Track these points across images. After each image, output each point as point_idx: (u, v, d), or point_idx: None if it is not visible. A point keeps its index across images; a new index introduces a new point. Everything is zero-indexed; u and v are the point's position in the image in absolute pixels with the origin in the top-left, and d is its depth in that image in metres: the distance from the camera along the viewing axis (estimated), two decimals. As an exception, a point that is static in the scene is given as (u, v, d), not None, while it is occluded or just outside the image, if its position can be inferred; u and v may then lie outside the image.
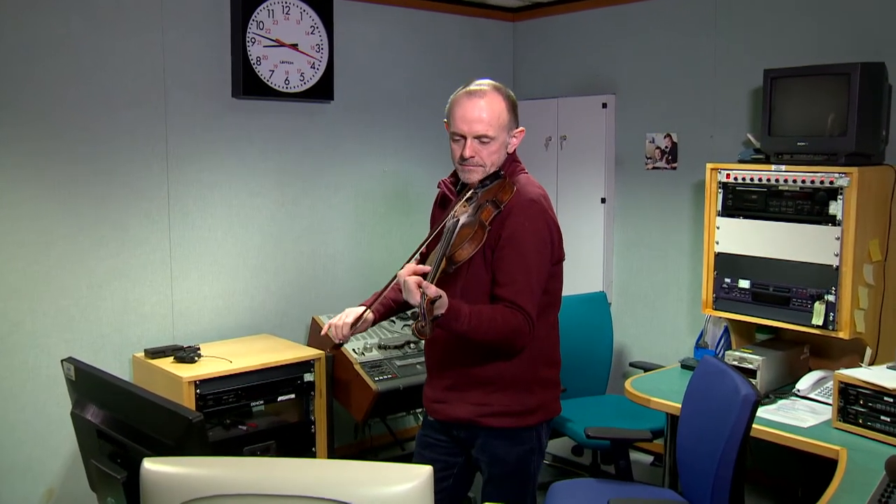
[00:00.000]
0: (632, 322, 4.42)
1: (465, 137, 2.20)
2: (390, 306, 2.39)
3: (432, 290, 1.89)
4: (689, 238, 4.13)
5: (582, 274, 4.47)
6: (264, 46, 3.81)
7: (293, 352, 3.61)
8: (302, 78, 3.95)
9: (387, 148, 4.43)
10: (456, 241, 2.05)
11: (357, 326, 2.21)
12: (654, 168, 4.26)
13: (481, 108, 2.18)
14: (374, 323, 2.34)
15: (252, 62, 3.77)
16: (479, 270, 2.18)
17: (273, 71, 3.84)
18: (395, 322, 4.09)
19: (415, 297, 1.90)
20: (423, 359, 3.70)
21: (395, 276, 2.13)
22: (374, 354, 3.79)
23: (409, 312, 4.16)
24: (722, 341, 3.56)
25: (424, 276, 1.98)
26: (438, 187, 2.36)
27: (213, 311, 3.85)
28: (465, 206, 2.16)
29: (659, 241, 4.27)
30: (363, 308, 2.25)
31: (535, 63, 4.83)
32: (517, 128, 2.27)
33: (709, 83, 4.01)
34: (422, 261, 2.23)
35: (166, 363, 3.40)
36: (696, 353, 3.64)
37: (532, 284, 2.13)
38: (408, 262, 2.10)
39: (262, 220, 3.98)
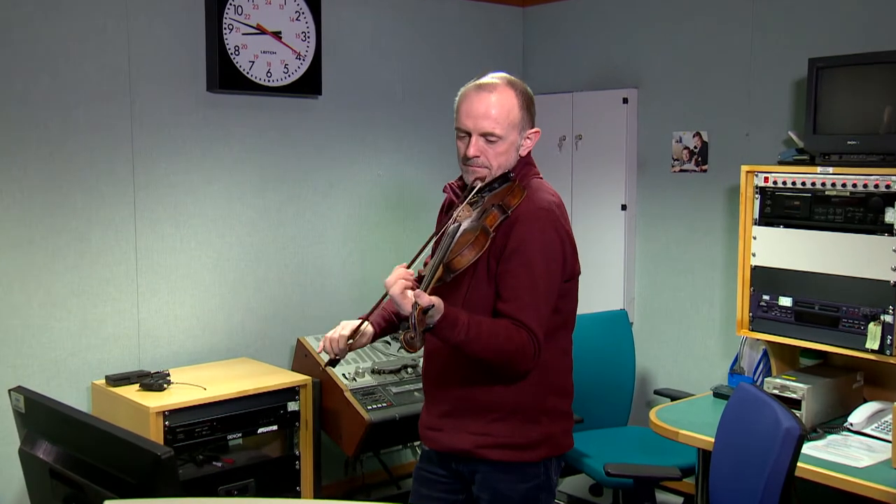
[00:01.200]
0: (656, 344, 4.42)
1: (469, 134, 2.21)
2: (391, 319, 2.40)
3: (425, 298, 1.90)
4: (722, 250, 4.13)
5: (600, 290, 4.48)
6: (243, 34, 3.79)
7: (276, 378, 3.61)
8: (286, 70, 3.94)
9: (382, 149, 4.44)
10: (455, 246, 2.05)
11: (355, 340, 2.22)
12: (681, 171, 4.27)
13: (490, 103, 2.19)
14: (375, 338, 2.35)
15: (230, 52, 3.75)
16: (482, 284, 2.19)
17: (253, 62, 3.83)
18: (389, 344, 4.08)
19: (405, 306, 1.92)
20: (421, 385, 3.77)
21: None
22: (367, 380, 3.77)
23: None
24: (760, 367, 3.55)
25: (419, 281, 2.00)
26: (444, 192, 2.38)
27: (186, 331, 3.84)
28: (468, 210, 2.17)
29: (687, 253, 4.27)
30: (361, 320, 2.26)
31: (548, 53, 4.85)
32: (532, 128, 2.28)
33: (744, 74, 4.00)
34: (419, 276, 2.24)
35: (131, 391, 3.38)
36: (730, 379, 3.64)
37: (539, 302, 2.13)
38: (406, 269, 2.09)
39: (241, 229, 3.97)
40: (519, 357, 2.10)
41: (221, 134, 3.88)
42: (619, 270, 4.46)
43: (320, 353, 2.30)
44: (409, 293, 1.94)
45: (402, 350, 1.93)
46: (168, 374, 3.48)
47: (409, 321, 1.88)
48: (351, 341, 2.21)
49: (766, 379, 3.23)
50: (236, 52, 3.77)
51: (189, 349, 3.84)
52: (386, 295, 2.12)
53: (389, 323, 2.41)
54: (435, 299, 1.94)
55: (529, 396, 2.22)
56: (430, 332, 1.93)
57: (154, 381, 3.38)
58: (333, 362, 2.22)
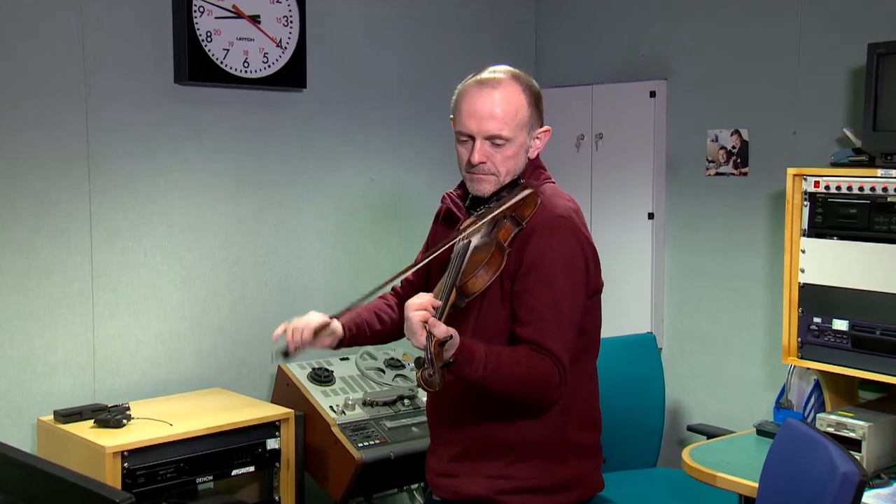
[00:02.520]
0: (689, 373, 4.42)
1: (473, 138, 2.23)
2: (364, 332, 2.45)
3: (441, 329, 1.92)
4: (765, 265, 4.12)
5: (624, 311, 4.47)
6: (217, 18, 3.79)
7: (253, 411, 3.60)
8: (265, 59, 3.95)
9: (375, 150, 4.45)
10: (468, 267, 2.08)
11: (319, 337, 2.28)
12: (717, 174, 4.27)
13: (495, 101, 2.21)
14: (343, 344, 2.40)
15: (201, 38, 3.75)
16: (496, 306, 2.21)
17: (228, 50, 3.84)
18: (384, 372, 4.08)
19: (420, 339, 1.94)
20: (420, 419, 3.78)
21: (374, 292, 2.24)
22: (358, 413, 3.77)
23: (412, 362, 4.19)
24: (812, 400, 3.52)
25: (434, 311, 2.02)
26: (443, 202, 2.42)
27: (149, 359, 3.83)
28: (476, 225, 2.19)
29: (724, 268, 4.27)
30: (331, 318, 2.32)
31: (564, 41, 4.87)
32: (541, 127, 2.32)
33: (792, 62, 4.00)
34: (407, 285, 2.35)
35: (84, 429, 3.35)
36: (776, 415, 3.63)
37: (563, 322, 2.15)
38: (389, 282, 2.18)
39: (214, 241, 3.98)
40: (544, 388, 2.12)
41: (191, 132, 3.89)
42: (646, 288, 4.46)
43: (275, 339, 2.31)
44: (423, 325, 1.97)
45: (419, 386, 1.98)
46: (128, 408, 3.46)
47: (423, 357, 1.89)
48: (316, 336, 2.27)
49: (818, 415, 3.24)
50: (208, 39, 3.77)
51: (152, 379, 3.84)
52: (367, 297, 2.25)
53: (360, 332, 2.43)
54: (452, 330, 1.95)
55: (554, 431, 2.24)
56: (447, 368, 1.95)
57: (111, 417, 3.36)
58: (287, 354, 2.26)
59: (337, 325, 2.34)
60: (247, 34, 3.87)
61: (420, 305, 2.00)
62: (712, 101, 4.26)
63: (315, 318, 2.29)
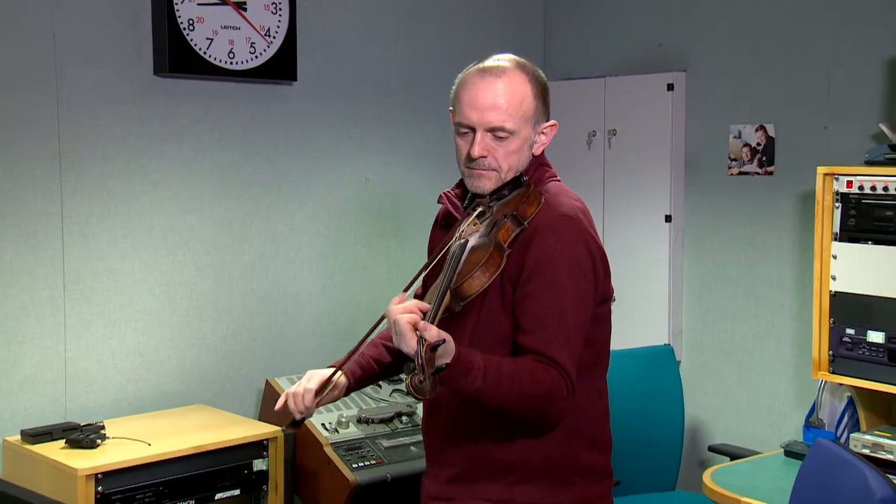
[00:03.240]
0: (711, 388, 4.41)
1: (473, 130, 2.24)
2: (372, 368, 2.44)
3: (433, 332, 1.92)
4: (793, 271, 4.12)
5: (639, 321, 4.48)
6: (199, 5, 3.80)
7: (238, 429, 3.60)
8: (252, 50, 3.96)
9: (371, 147, 4.46)
10: (464, 268, 2.08)
11: (324, 395, 2.28)
12: (740, 173, 4.26)
13: (498, 91, 2.22)
14: (350, 390, 2.40)
15: (182, 27, 3.75)
16: (495, 313, 2.20)
17: (212, 39, 3.84)
18: (380, 387, 4.08)
19: (409, 343, 1.93)
20: (419, 437, 3.78)
21: (379, 322, 2.20)
22: (352, 432, 3.77)
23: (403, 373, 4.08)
24: (845, 419, 3.51)
25: (423, 315, 2.01)
26: (440, 202, 2.41)
27: (126, 373, 3.82)
28: (475, 224, 2.20)
29: (748, 275, 4.27)
30: (332, 370, 2.31)
31: (575, 29, 4.88)
32: (547, 121, 2.31)
33: (822, 52, 3.99)
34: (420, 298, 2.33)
35: (54, 449, 3.34)
36: (805, 434, 3.63)
37: (569, 331, 2.15)
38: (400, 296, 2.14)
39: (197, 246, 3.98)
40: (549, 402, 2.11)
41: (172, 129, 3.89)
42: (663, 296, 4.46)
43: (279, 411, 2.32)
44: (413, 328, 1.97)
45: (409, 394, 2.06)
46: (102, 427, 3.43)
47: (413, 362, 1.89)
48: (320, 395, 2.26)
49: (852, 435, 3.24)
50: (190, 27, 3.77)
51: (130, 395, 3.82)
52: (368, 335, 2.24)
53: (368, 372, 2.43)
54: (445, 334, 1.94)
55: (559, 451, 2.24)
56: (440, 375, 1.94)
57: (84, 436, 3.34)
58: (297, 423, 2.28)
59: (340, 376, 2.33)
60: (232, 22, 3.87)
61: (406, 308, 2.00)
62: (735, 93, 4.25)
63: (315, 379, 2.29)
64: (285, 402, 2.28)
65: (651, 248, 4.46)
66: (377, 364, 2.44)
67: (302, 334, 4.26)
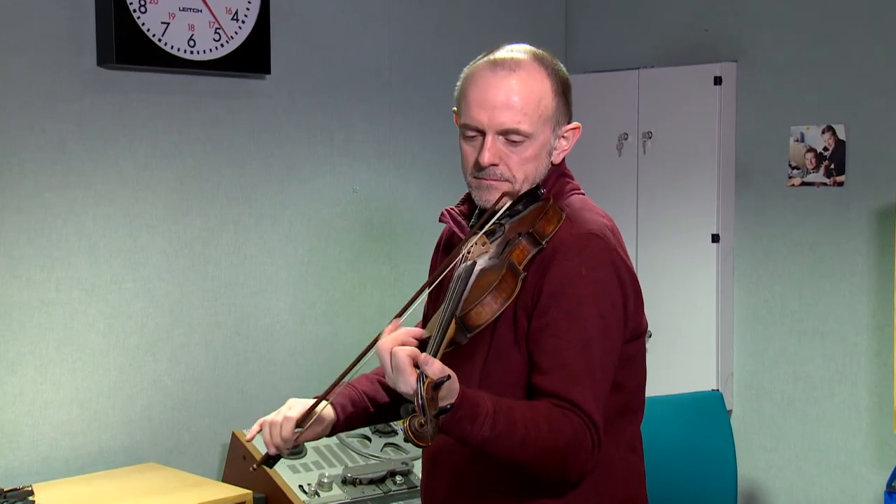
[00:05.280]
0: (769, 444, 4.40)
1: (482, 133, 2.24)
2: (364, 406, 2.44)
3: (436, 366, 1.89)
4: (869, 303, 4.11)
5: (682, 361, 4.48)
6: None
7: (198, 493, 3.56)
8: (217, 37, 3.95)
9: (359, 153, 4.46)
10: (472, 293, 2.08)
11: (306, 428, 2.28)
12: (803, 184, 4.26)
13: (511, 88, 2.22)
14: (337, 429, 2.40)
15: (132, 8, 3.74)
16: (508, 348, 2.20)
17: (168, 24, 3.83)
18: (369, 440, 4.05)
19: (408, 379, 1.91)
20: (416, 501, 3.76)
21: (370, 347, 2.16)
22: (336, 495, 3.72)
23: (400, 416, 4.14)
24: None
25: (422, 346, 2.01)
26: (442, 221, 2.41)
27: (62, 425, 3.77)
28: (484, 243, 2.20)
29: (813, 306, 4.28)
30: (316, 400, 2.30)
31: (602, 13, 4.92)
32: (569, 122, 2.31)
33: None
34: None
35: None
36: (887, 500, 3.62)
37: (594, 370, 2.13)
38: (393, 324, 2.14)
39: (150, 270, 3.96)
40: (570, 456, 2.08)
41: (120, 130, 3.86)
42: (710, 332, 4.46)
43: (250, 440, 2.34)
44: (411, 361, 1.95)
45: (408, 440, 1.91)
46: (31, 493, 3.42)
47: (413, 402, 1.86)
48: (300, 429, 2.25)
49: None
50: (142, 9, 3.76)
51: (66, 453, 3.78)
52: (357, 362, 2.21)
53: (360, 410, 2.42)
54: (449, 370, 1.92)
55: None
56: (443, 417, 1.90)
57: (8, 503, 3.33)
58: (272, 460, 2.29)
59: (327, 408, 2.33)
60: (192, 4, 3.87)
61: (395, 339, 2.00)
62: (797, 88, 4.26)
63: (297, 407, 2.28)
64: (258, 430, 2.28)
65: (695, 275, 4.45)
66: (371, 402, 2.43)
67: (276, 377, 4.24)
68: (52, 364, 3.71)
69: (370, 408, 2.43)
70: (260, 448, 3.81)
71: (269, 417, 2.27)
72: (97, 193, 3.78)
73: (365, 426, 2.50)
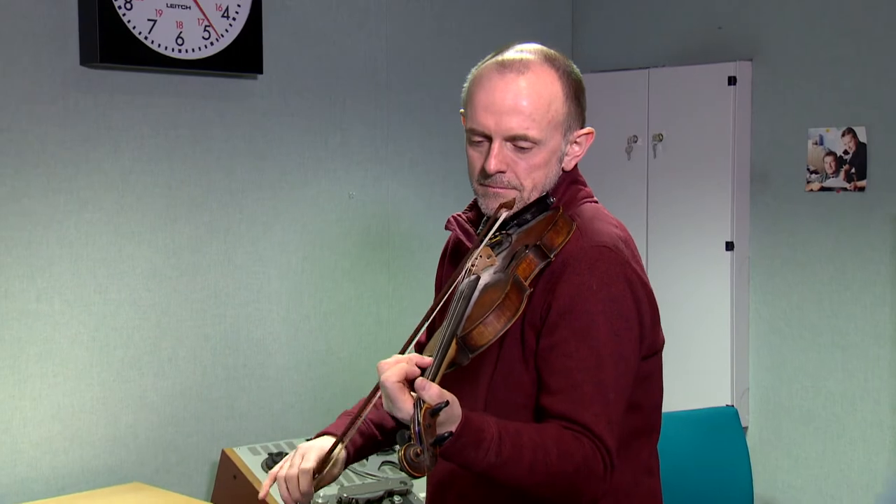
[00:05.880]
0: (787, 463, 4.40)
1: (489, 139, 2.23)
2: (373, 435, 2.44)
3: (434, 391, 1.87)
4: (893, 313, 4.11)
5: (693, 375, 4.48)
6: None
7: None
8: (207, 35, 3.95)
9: (355, 156, 4.46)
10: (474, 311, 2.07)
11: (324, 474, 2.24)
12: (822, 189, 4.26)
13: (520, 90, 2.21)
14: (348, 464, 2.39)
15: (117, 6, 3.74)
16: (515, 368, 2.20)
17: (155, 21, 3.83)
18: (365, 460, 3.92)
19: (403, 406, 1.91)
20: None
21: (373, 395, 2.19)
22: None
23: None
24: None
25: (422, 371, 1.99)
26: (448, 228, 2.41)
27: (42, 443, 3.77)
28: (489, 256, 2.20)
29: (833, 318, 4.27)
30: (332, 441, 2.27)
31: (610, 11, 4.93)
32: (582, 128, 2.31)
33: None
34: (419, 350, 2.32)
35: None
36: None
37: (607, 391, 2.12)
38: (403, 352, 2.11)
39: (135, 281, 3.96)
40: (581, 483, 2.07)
41: (105, 133, 3.86)
42: (724, 345, 4.46)
43: (263, 498, 2.33)
44: (403, 386, 1.95)
45: (403, 470, 1.97)
46: None
47: (409, 429, 1.85)
48: (319, 475, 2.22)
49: None
50: (127, 6, 3.75)
51: (46, 472, 3.77)
52: (370, 400, 2.16)
53: (369, 439, 2.43)
54: (448, 395, 1.90)
55: None
56: (442, 446, 1.87)
57: None
58: None
59: (340, 449, 2.30)
60: (180, 0, 3.88)
61: (401, 371, 1.96)
62: (815, 88, 4.26)
63: (312, 455, 2.24)
64: (271, 484, 2.26)
65: (709, 285, 4.45)
66: (378, 430, 2.43)
67: (268, 392, 4.23)
68: (32, 379, 3.69)
69: (378, 436, 2.43)
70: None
71: (282, 472, 2.24)
72: (80, 199, 3.77)
73: (373, 454, 2.50)
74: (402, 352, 2.08)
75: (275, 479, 2.25)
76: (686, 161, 4.47)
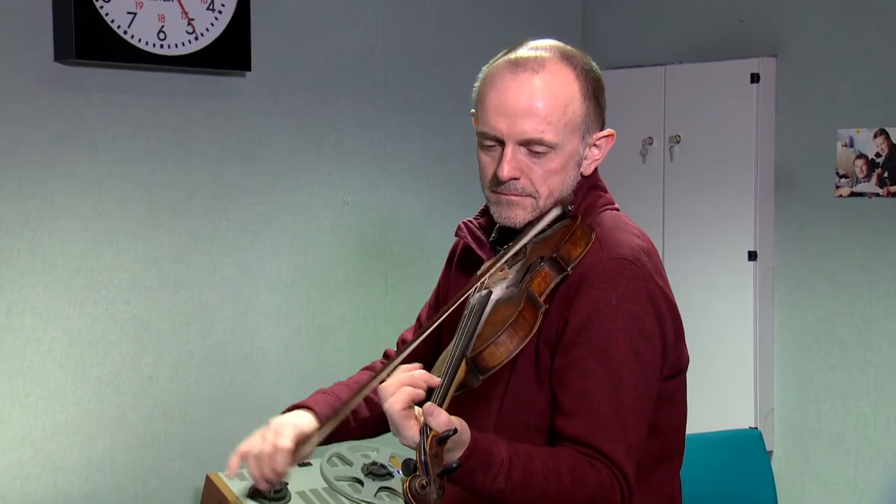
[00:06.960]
0: (815, 489, 4.41)
1: (502, 143, 2.23)
2: (346, 422, 2.42)
3: (442, 418, 1.87)
4: None
5: (715, 395, 4.48)
6: None
7: None
8: (191, 29, 3.97)
9: (350, 159, 4.47)
10: (485, 330, 2.08)
11: (304, 447, 2.22)
12: (853, 195, 4.26)
13: (534, 92, 2.21)
14: (333, 438, 2.39)
15: None
16: (529, 388, 2.21)
17: (135, 14, 3.84)
18: (361, 484, 4.05)
19: (409, 434, 1.91)
20: None
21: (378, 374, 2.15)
22: None
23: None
24: None
25: (428, 394, 1.99)
26: (458, 235, 2.42)
27: (12, 468, 3.77)
28: (502, 269, 2.21)
29: (865, 332, 4.27)
30: (306, 416, 2.30)
31: (624, 4, 4.96)
32: (601, 129, 2.30)
33: None
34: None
35: None
36: None
37: (625, 416, 2.13)
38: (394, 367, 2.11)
39: (114, 292, 3.96)
40: None
41: (81, 134, 3.87)
42: (747, 362, 4.46)
43: (231, 475, 2.27)
44: (415, 410, 1.93)
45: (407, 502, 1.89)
46: None
47: (415, 459, 1.85)
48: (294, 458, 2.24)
49: None
50: None
51: (16, 499, 3.77)
52: (361, 391, 2.17)
53: (342, 424, 2.38)
54: (457, 421, 1.90)
55: None
56: (450, 475, 1.87)
57: None
58: (258, 494, 2.42)
59: (311, 425, 2.30)
60: None
61: (399, 382, 1.95)
62: (845, 86, 4.27)
63: (287, 433, 2.22)
64: (239, 463, 2.23)
65: (730, 296, 4.47)
66: (354, 418, 2.43)
67: (256, 412, 3.96)
68: (1, 398, 3.70)
69: (351, 422, 2.42)
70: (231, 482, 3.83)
71: (253, 448, 2.21)
72: (54, 205, 3.78)
73: (344, 441, 2.48)
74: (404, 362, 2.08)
75: (244, 457, 2.23)
76: (705, 164, 4.48)
